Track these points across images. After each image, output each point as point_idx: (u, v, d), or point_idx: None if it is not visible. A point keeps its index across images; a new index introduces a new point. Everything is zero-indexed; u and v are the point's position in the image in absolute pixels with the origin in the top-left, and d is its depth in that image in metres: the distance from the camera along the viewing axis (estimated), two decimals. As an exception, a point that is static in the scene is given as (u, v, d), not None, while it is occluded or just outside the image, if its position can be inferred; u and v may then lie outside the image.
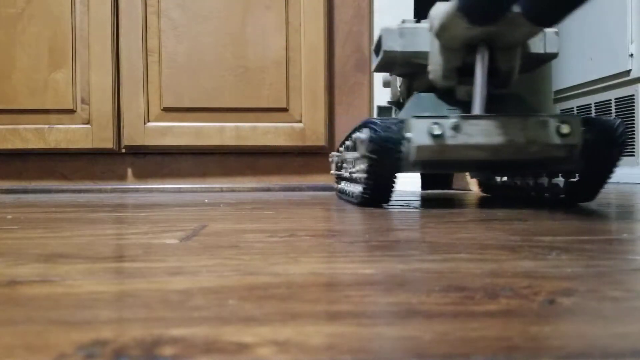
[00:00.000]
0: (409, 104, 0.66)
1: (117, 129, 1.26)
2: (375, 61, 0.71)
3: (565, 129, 0.58)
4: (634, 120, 1.66)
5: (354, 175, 0.70)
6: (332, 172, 0.98)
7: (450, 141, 0.57)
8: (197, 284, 0.23)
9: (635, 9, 1.62)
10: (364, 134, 0.59)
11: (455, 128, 0.57)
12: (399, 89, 0.81)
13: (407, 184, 1.24)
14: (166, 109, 1.26)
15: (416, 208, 0.66)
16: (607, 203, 0.72)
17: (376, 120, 0.59)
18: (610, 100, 1.78)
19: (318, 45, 1.27)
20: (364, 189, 0.64)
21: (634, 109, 1.66)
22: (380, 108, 0.92)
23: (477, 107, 0.59)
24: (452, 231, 0.41)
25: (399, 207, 0.67)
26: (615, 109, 1.75)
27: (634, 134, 1.66)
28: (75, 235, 0.40)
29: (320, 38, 1.28)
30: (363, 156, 0.62)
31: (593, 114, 1.88)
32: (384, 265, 0.27)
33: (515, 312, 0.18)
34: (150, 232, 0.42)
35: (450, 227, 0.44)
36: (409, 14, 1.33)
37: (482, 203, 0.76)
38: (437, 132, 0.56)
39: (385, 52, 0.65)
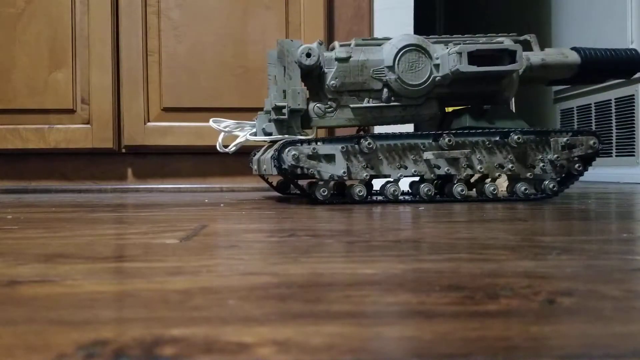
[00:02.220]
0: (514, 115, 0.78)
1: (117, 129, 1.26)
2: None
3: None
4: (634, 120, 1.66)
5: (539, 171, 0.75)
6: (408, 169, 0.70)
7: None
8: (197, 284, 0.23)
9: (635, 9, 1.62)
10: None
11: None
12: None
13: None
14: (166, 109, 1.26)
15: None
16: (607, 203, 0.72)
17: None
18: (610, 100, 1.78)
19: (318, 45, 1.27)
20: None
21: (634, 109, 1.66)
22: (276, 121, 0.78)
23: None
24: (452, 231, 0.41)
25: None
26: (615, 109, 1.75)
27: (634, 134, 1.66)
28: (75, 235, 0.40)
29: (320, 38, 1.28)
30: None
31: (593, 115, 1.88)
32: (384, 265, 0.27)
33: (515, 312, 0.18)
34: (150, 232, 0.42)
35: (450, 227, 0.44)
36: (409, 14, 1.33)
37: (483, 203, 0.76)
38: None
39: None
